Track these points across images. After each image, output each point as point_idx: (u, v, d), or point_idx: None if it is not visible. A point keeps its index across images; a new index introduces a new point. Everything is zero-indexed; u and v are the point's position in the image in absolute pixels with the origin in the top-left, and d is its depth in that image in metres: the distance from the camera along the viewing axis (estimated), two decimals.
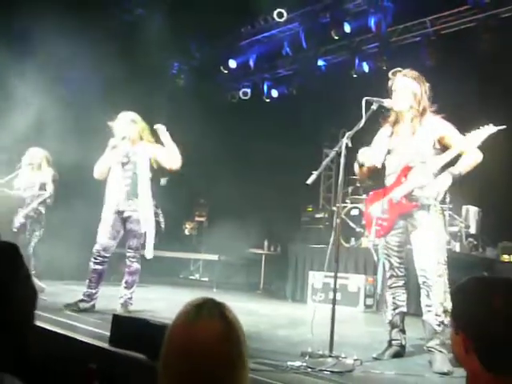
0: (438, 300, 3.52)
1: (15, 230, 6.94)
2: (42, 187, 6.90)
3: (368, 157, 3.83)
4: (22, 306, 1.39)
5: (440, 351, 3.48)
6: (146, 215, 5.15)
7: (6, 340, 1.28)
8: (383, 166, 3.90)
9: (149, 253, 5.21)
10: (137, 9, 10.20)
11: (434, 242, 3.60)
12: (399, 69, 3.88)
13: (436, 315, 3.52)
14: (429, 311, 3.57)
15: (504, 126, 3.43)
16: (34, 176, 6.96)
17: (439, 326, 3.52)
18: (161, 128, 5.21)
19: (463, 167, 3.61)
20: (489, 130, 3.44)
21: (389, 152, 3.85)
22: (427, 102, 3.76)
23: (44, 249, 7.01)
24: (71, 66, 8.18)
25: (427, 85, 3.80)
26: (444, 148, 3.69)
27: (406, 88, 3.75)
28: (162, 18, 9.75)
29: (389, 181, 3.85)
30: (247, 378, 1.28)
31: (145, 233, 5.16)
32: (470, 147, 3.57)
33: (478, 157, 3.62)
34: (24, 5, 6.83)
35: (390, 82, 3.87)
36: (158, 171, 5.36)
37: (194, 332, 1.25)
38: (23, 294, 1.41)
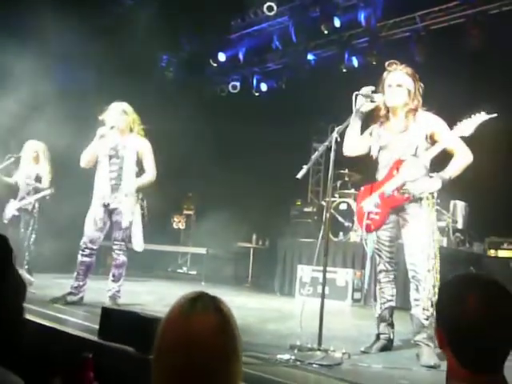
0: (426, 294, 3.55)
1: (6, 221, 6.90)
2: (38, 180, 6.85)
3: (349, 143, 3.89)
4: (13, 300, 1.39)
5: (427, 345, 3.52)
6: (128, 208, 5.14)
7: None
8: (376, 161, 3.93)
9: (138, 246, 5.21)
10: (126, 1, 10.13)
11: (425, 236, 3.63)
12: (395, 61, 3.88)
13: (424, 309, 3.56)
14: (417, 305, 3.61)
15: (495, 114, 3.46)
16: (30, 169, 6.91)
17: (427, 319, 3.55)
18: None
19: (453, 171, 3.65)
20: (481, 117, 3.47)
21: (381, 148, 3.87)
22: (420, 100, 3.78)
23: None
24: (61, 57, 8.11)
25: (421, 84, 3.82)
26: (434, 143, 3.71)
27: (402, 84, 3.76)
28: (151, 10, 9.68)
29: (381, 175, 3.87)
30: (241, 372, 1.29)
31: (130, 226, 5.15)
32: (459, 145, 3.61)
33: (468, 159, 3.66)
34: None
35: (384, 74, 3.85)
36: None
37: (188, 325, 1.24)
38: (13, 288, 1.40)
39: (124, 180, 5.18)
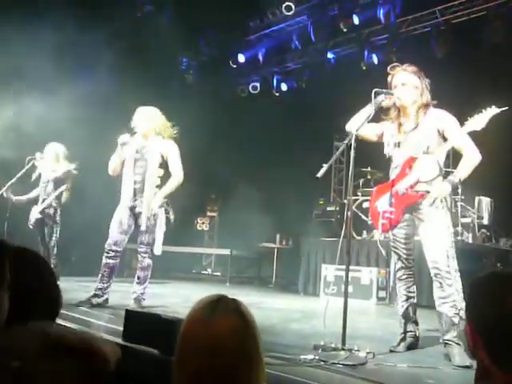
0: (452, 291, 3.50)
1: (31, 226, 7.02)
2: (58, 182, 6.95)
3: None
4: (46, 307, 1.41)
5: (458, 344, 3.45)
6: (151, 212, 5.17)
7: None
8: (390, 160, 3.90)
9: (157, 249, 5.23)
10: (145, 5, 10.22)
11: (442, 234, 3.59)
12: (397, 64, 3.88)
13: (451, 307, 3.51)
14: (444, 303, 3.55)
15: (506, 108, 3.42)
16: (50, 171, 7.02)
17: (456, 318, 3.50)
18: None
19: (462, 173, 3.60)
20: (491, 111, 3.45)
21: (395, 146, 3.84)
22: (429, 96, 3.75)
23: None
24: (82, 62, 8.22)
25: (427, 80, 3.79)
26: (445, 140, 3.68)
27: (408, 83, 3.74)
28: (170, 14, 9.76)
29: (394, 173, 3.84)
30: (263, 374, 1.28)
31: (154, 228, 5.18)
32: (467, 145, 3.57)
33: (475, 159, 3.59)
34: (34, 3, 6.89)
35: (389, 78, 3.87)
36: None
37: (209, 328, 1.24)
38: (48, 297, 1.42)
39: (147, 183, 5.21)
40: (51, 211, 6.89)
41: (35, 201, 7.10)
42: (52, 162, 7.00)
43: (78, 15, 7.20)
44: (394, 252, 3.88)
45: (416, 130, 3.74)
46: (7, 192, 7.00)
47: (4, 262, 1.12)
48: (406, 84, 3.75)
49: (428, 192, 3.65)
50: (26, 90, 7.45)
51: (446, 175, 3.72)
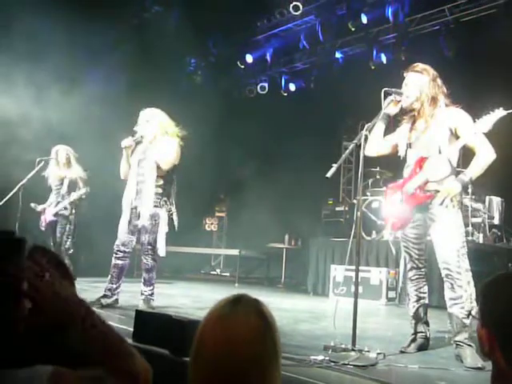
0: (463, 292, 3.48)
1: (43, 228, 7.07)
2: (71, 185, 6.99)
3: (372, 144, 3.86)
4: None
5: (469, 345, 3.42)
6: (147, 212, 5.15)
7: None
8: (404, 159, 3.88)
9: (161, 250, 5.20)
10: (153, 7, 10.25)
11: (454, 235, 3.56)
12: (411, 65, 3.85)
13: (462, 308, 3.48)
14: (455, 304, 3.52)
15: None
16: (62, 174, 7.06)
17: (467, 318, 3.47)
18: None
19: (474, 172, 3.54)
20: (499, 113, 3.40)
21: (408, 147, 3.83)
22: (436, 91, 3.70)
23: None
24: (91, 64, 8.25)
25: (435, 74, 3.74)
26: (457, 139, 3.65)
27: (412, 82, 3.74)
28: (178, 15, 9.78)
29: (406, 173, 3.83)
30: (280, 376, 1.27)
31: (156, 229, 5.17)
32: (480, 143, 3.52)
33: (489, 157, 3.53)
34: (43, 5, 6.91)
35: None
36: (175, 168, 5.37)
37: (229, 328, 1.22)
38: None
39: (147, 182, 5.20)
40: (66, 212, 6.95)
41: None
42: (63, 165, 7.05)
43: (86, 17, 7.21)
44: (406, 252, 3.86)
45: (427, 129, 3.72)
46: (35, 206, 7.10)
47: (23, 260, 1.11)
48: (408, 84, 3.75)
49: (437, 192, 3.62)
50: (35, 91, 7.48)
51: (457, 174, 3.69)
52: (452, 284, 3.53)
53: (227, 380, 1.19)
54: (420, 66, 3.78)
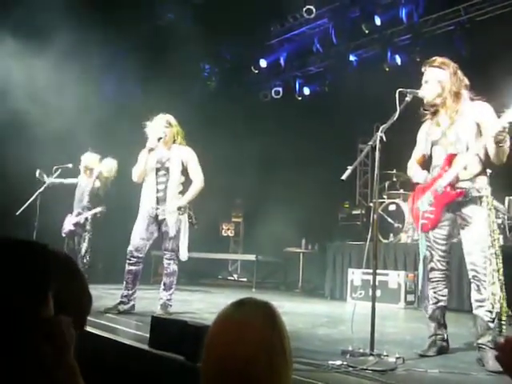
0: (489, 295, 3.40)
1: (64, 235, 7.14)
2: (92, 196, 7.06)
3: (414, 174, 3.89)
4: (76, 312, 1.39)
5: (492, 348, 3.34)
6: (175, 218, 5.21)
7: None
8: (430, 158, 3.83)
9: (183, 255, 5.25)
10: (166, 14, 10.30)
11: (485, 235, 3.48)
12: (429, 60, 3.79)
13: (487, 311, 3.41)
14: (480, 306, 3.45)
15: None
16: (86, 182, 7.13)
17: (492, 321, 3.40)
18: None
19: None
20: None
21: (433, 144, 3.77)
22: (458, 85, 3.65)
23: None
24: (104, 71, 8.32)
25: (455, 67, 3.68)
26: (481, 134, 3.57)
27: (432, 78, 3.68)
28: (191, 22, 9.82)
29: (434, 172, 3.76)
30: (290, 376, 1.25)
31: (178, 235, 5.20)
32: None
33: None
34: (60, 11, 7.02)
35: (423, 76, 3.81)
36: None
37: (233, 329, 1.22)
38: (77, 301, 1.41)
39: (170, 191, 5.25)
40: (82, 221, 7.02)
41: (70, 209, 7.20)
42: (89, 174, 7.11)
43: (100, 24, 7.28)
44: (430, 252, 3.78)
45: (453, 125, 3.65)
46: (40, 173, 7.08)
47: (49, 268, 1.11)
48: (429, 81, 3.69)
49: (468, 189, 3.56)
50: (50, 99, 7.56)
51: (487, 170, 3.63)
52: (478, 286, 3.46)
53: (235, 380, 1.18)
54: (439, 59, 3.71)
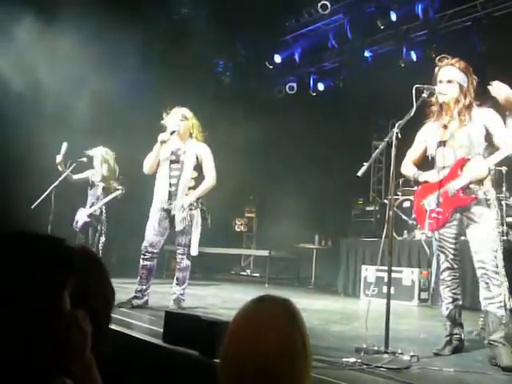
0: (499, 291, 3.40)
1: (77, 228, 7.16)
2: (105, 188, 7.08)
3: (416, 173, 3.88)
4: (102, 309, 1.41)
5: (504, 344, 3.34)
6: (187, 213, 5.20)
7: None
8: (432, 159, 3.80)
9: (194, 249, 5.25)
10: (182, 8, 10.30)
11: (492, 235, 3.50)
12: (446, 56, 3.75)
13: (498, 308, 3.40)
14: (490, 303, 3.44)
15: None
16: (98, 175, 7.15)
17: (504, 317, 3.39)
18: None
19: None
20: None
21: (439, 145, 3.73)
22: (473, 95, 3.64)
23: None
24: (121, 66, 8.34)
25: (474, 77, 3.67)
26: (491, 141, 3.58)
27: (453, 80, 3.64)
28: (206, 17, 9.82)
29: (443, 173, 3.73)
30: (310, 372, 1.24)
31: (191, 230, 5.20)
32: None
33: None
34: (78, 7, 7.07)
35: (436, 69, 3.75)
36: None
37: (252, 325, 1.22)
38: (104, 297, 1.42)
39: (181, 186, 5.24)
40: (97, 212, 7.04)
41: (83, 203, 7.23)
42: (100, 167, 7.13)
43: (115, 19, 7.29)
44: (441, 252, 3.76)
45: (463, 129, 3.63)
46: (61, 164, 7.07)
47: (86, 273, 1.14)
48: (452, 81, 3.64)
49: (477, 193, 3.55)
50: (65, 92, 7.60)
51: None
52: (488, 283, 3.44)
53: (256, 378, 1.17)
54: (462, 63, 3.67)
